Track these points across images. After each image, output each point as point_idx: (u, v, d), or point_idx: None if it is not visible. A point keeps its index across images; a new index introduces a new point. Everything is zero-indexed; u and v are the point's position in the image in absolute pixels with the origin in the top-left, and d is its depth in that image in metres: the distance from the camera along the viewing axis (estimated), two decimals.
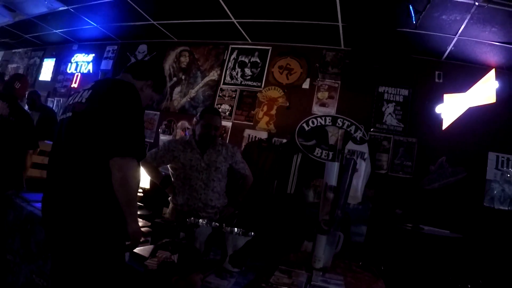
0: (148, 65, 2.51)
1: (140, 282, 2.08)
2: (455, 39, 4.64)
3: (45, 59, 8.51)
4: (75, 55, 7.86)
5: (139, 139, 2.08)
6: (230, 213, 3.65)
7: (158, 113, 6.55)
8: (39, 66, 8.51)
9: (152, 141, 6.41)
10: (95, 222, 2.01)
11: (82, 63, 7.72)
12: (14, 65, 9.04)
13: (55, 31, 7.33)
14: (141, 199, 4.97)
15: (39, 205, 2.34)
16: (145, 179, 5.21)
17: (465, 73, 5.10)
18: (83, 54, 7.75)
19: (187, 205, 3.62)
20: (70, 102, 2.19)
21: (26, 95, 6.02)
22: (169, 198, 3.84)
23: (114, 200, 2.02)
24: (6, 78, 5.46)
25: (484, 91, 4.66)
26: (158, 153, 3.79)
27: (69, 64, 7.90)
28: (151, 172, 3.87)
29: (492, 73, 4.67)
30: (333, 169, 2.97)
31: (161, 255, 1.94)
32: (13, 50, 9.19)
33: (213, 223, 2.82)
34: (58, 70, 8.13)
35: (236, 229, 2.70)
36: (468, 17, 4.08)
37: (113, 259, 2.09)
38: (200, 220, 2.78)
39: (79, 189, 2.02)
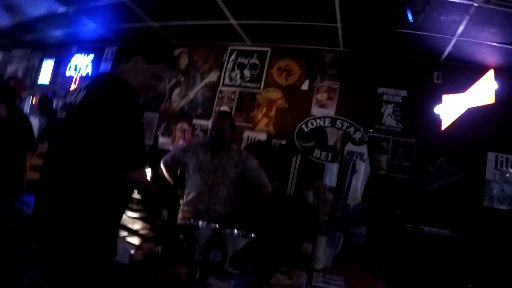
0: (158, 48, 2.46)
1: (126, 275, 2.08)
2: (454, 40, 4.65)
3: (44, 61, 8.47)
4: (74, 56, 7.84)
5: (140, 148, 2.10)
6: (237, 220, 3.57)
7: (157, 115, 6.54)
8: (38, 68, 8.46)
9: (151, 143, 6.40)
10: (80, 233, 1.97)
11: (81, 65, 7.70)
12: (13, 67, 8.98)
13: (54, 33, 7.31)
14: (139, 201, 4.98)
15: None
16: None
17: (464, 73, 5.11)
18: (83, 55, 7.73)
19: (191, 205, 3.66)
20: (66, 101, 2.18)
21: (38, 100, 6.03)
22: (180, 201, 3.88)
23: (104, 216, 2.03)
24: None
25: (483, 91, 4.66)
26: (175, 154, 3.95)
27: (68, 66, 7.87)
28: (168, 172, 4.03)
29: (491, 73, 4.68)
30: (333, 170, 2.98)
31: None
32: (12, 52, 9.16)
33: (212, 224, 2.82)
34: (57, 72, 8.08)
35: (236, 230, 2.70)
36: (467, 18, 4.09)
37: (97, 270, 2.05)
38: (200, 222, 2.78)
39: (67, 198, 1.97)
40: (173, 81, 6.60)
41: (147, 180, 2.15)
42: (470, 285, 4.17)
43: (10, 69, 8.98)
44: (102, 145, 1.93)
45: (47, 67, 8.27)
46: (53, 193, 2.01)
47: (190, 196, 3.72)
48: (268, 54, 6.10)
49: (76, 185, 1.96)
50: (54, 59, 8.24)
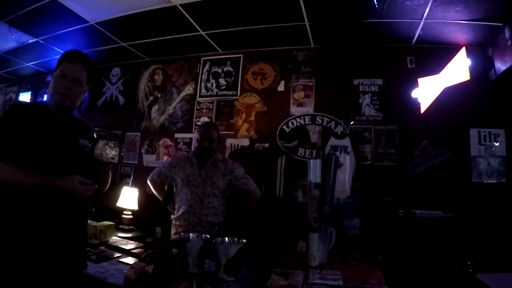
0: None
1: None
2: (422, 23, 4.69)
3: (20, 94, 8.41)
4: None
5: None
6: (229, 228, 3.60)
7: (139, 133, 6.53)
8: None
9: (136, 162, 6.39)
10: None
11: None
12: None
13: (27, 64, 7.28)
14: (131, 221, 4.98)
15: None
16: (132, 201, 5.21)
17: (436, 55, 5.15)
18: None
19: (183, 219, 3.68)
20: None
21: None
22: (171, 216, 3.92)
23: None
24: None
25: (457, 70, 4.69)
26: (162, 170, 3.97)
27: (45, 95, 7.78)
28: (156, 189, 4.05)
29: (462, 51, 4.71)
30: (316, 166, 3.00)
31: (137, 266, 1.95)
32: None
33: (203, 235, 2.83)
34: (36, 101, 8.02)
35: (226, 238, 2.71)
36: (431, 0, 4.13)
37: None
38: (190, 234, 2.79)
39: None
40: (150, 98, 6.60)
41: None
42: (469, 262, 4.17)
43: None
44: None
45: (25, 99, 8.20)
46: None
47: (181, 210, 3.73)
48: (241, 60, 6.11)
49: None
50: (30, 92, 8.18)
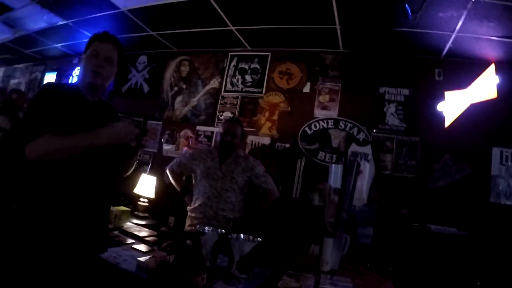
0: None
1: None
2: (453, 36, 4.64)
3: (46, 74, 8.52)
4: (76, 68, 7.86)
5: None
6: (245, 225, 3.55)
7: (161, 123, 6.57)
8: (41, 81, 8.49)
9: (156, 150, 6.43)
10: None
11: None
12: (16, 81, 9.03)
13: (55, 45, 7.36)
14: (146, 209, 5.00)
15: None
16: (149, 189, 5.24)
17: (465, 69, 5.07)
18: None
19: (200, 211, 3.68)
20: None
21: None
22: (187, 207, 3.90)
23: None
24: None
25: (485, 86, 4.64)
26: (182, 161, 3.96)
27: (71, 78, 7.89)
28: (175, 179, 4.03)
29: (492, 68, 4.65)
30: (337, 171, 2.99)
31: (158, 256, 1.95)
32: (14, 66, 9.19)
33: (219, 230, 2.83)
34: None
35: (242, 235, 2.71)
36: (464, 13, 4.08)
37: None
38: (206, 228, 2.80)
39: None
40: (175, 89, 6.63)
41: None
42: (479, 283, 4.14)
43: (13, 82, 9.03)
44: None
45: (50, 79, 8.28)
46: None
47: (198, 202, 3.73)
48: (269, 59, 6.10)
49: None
50: (56, 72, 8.28)
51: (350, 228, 3.31)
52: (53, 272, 2.03)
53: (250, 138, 5.77)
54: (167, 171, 4.03)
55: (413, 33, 4.77)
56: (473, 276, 4.19)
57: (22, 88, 8.53)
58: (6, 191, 3.84)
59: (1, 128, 4.36)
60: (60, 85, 2.41)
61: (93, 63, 2.29)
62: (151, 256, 2.36)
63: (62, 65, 8.20)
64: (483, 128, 4.84)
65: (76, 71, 7.81)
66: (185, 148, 6.08)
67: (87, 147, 2.09)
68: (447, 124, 4.92)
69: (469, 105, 4.69)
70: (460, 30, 4.47)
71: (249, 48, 6.20)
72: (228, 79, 6.27)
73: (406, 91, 5.33)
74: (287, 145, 5.53)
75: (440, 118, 5.00)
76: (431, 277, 4.27)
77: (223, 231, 2.84)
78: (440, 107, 5.02)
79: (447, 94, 4.99)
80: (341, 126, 5.42)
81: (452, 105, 4.91)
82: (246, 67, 6.19)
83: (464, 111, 4.73)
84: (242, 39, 5.88)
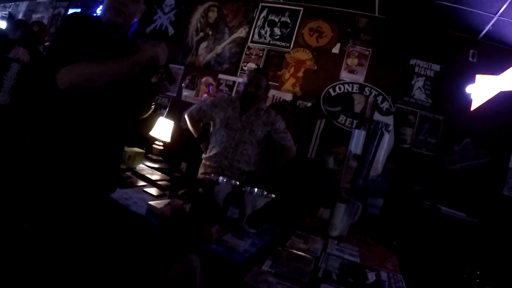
0: None
1: (155, 234, 2.06)
2: (495, 18, 4.47)
3: (70, 9, 8.38)
4: (100, 6, 7.70)
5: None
6: (258, 179, 3.52)
7: (183, 67, 6.47)
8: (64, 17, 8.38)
9: (175, 95, 6.35)
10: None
11: None
12: (39, 15, 8.88)
13: None
14: (161, 152, 4.98)
15: None
16: (166, 133, 5.21)
17: (500, 55, 4.93)
18: None
19: (214, 160, 3.66)
20: None
21: None
22: (202, 155, 3.88)
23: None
24: None
25: None
26: (202, 107, 3.90)
27: (95, 15, 7.76)
28: (193, 125, 3.98)
29: None
30: (360, 137, 2.93)
31: (174, 203, 1.92)
32: (38, 0, 9.08)
33: (233, 181, 2.80)
34: None
35: (256, 189, 2.67)
36: None
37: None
38: (220, 178, 2.76)
39: None
40: (201, 34, 6.50)
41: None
42: (479, 272, 4.13)
43: (35, 17, 8.91)
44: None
45: None
46: None
47: (214, 151, 3.70)
48: (300, 14, 5.93)
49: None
50: (80, 9, 8.14)
51: (362, 197, 3.28)
52: (60, 205, 2.01)
53: (272, 92, 5.64)
54: (186, 116, 3.98)
55: (453, 9, 4.60)
56: (474, 264, 4.17)
57: (45, 23, 8.42)
58: (21, 126, 3.83)
59: (20, 61, 4.28)
60: (85, 16, 2.30)
61: (116, 0, 2.14)
62: (166, 203, 2.32)
63: (87, 0, 8.05)
64: (509, 119, 4.75)
65: (101, 8, 7.66)
66: (205, 95, 6.00)
67: (126, 73, 2.03)
68: (473, 107, 4.79)
69: (499, 93, 4.56)
70: (503, 13, 4.31)
71: (281, 0, 6.03)
72: (256, 30, 6.12)
73: (437, 67, 5.20)
74: (309, 104, 5.43)
75: (467, 101, 4.87)
76: (432, 258, 4.28)
77: (237, 182, 2.80)
78: (469, 89, 4.88)
79: (478, 77, 4.84)
80: (366, 92, 5.32)
81: (482, 90, 4.77)
82: (276, 19, 6.03)
83: (492, 98, 4.60)
84: None
